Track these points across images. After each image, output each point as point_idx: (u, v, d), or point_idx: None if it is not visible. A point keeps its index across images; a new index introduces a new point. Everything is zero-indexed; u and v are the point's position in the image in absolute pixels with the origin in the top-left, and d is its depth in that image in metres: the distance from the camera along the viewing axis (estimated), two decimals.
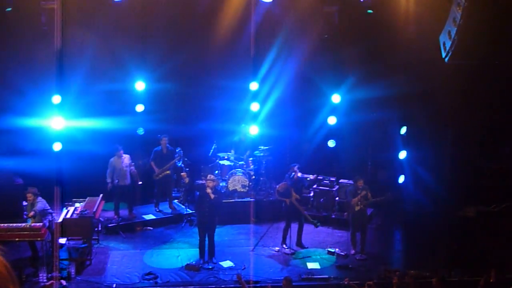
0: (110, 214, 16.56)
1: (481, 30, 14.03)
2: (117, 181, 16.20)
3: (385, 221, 17.15)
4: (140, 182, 16.83)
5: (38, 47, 16.49)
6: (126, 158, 16.37)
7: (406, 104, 17.52)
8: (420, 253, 15.04)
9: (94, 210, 14.38)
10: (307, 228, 15.52)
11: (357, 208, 14.82)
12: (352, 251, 14.95)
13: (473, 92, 16.16)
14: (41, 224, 13.36)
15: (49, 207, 13.95)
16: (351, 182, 16.26)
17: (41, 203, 13.76)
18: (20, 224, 13.54)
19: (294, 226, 15.15)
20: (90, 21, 16.74)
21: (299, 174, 15.43)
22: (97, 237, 15.12)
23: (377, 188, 16.05)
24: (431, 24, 15.66)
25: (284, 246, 15.06)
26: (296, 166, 15.34)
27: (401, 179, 17.81)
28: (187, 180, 14.91)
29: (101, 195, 15.28)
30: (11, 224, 13.42)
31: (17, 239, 13.31)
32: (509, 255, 14.04)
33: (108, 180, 16.14)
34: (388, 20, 16.53)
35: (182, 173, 15.20)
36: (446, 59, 14.72)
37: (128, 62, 17.65)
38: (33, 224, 13.45)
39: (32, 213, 13.61)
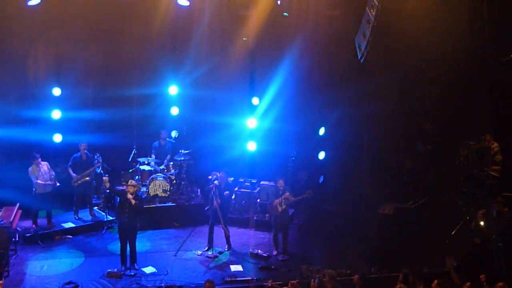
0: (28, 223, 16.13)
1: (394, 32, 14.48)
2: (34, 189, 15.81)
3: (306, 221, 17.40)
4: (58, 184, 16.36)
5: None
6: (44, 165, 15.98)
7: (325, 106, 17.83)
8: (340, 251, 15.34)
9: (11, 220, 13.99)
10: (229, 230, 15.55)
11: (279, 209, 14.95)
12: (275, 252, 15.09)
13: (389, 92, 16.56)
14: None
15: None
16: (272, 183, 16.43)
17: None
18: None
19: (218, 230, 15.17)
20: None
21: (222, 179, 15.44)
22: (14, 248, 14.71)
23: (298, 188, 16.27)
24: (346, 26, 16.03)
25: (207, 248, 15.06)
26: (224, 172, 15.34)
27: (321, 179, 18.11)
28: (108, 185, 14.70)
29: (17, 204, 14.88)
30: None
31: None
32: (425, 250, 14.48)
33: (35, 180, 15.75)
34: (303, 23, 16.84)
35: (104, 178, 14.98)
36: (361, 61, 15.06)
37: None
38: None
39: None
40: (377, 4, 13.81)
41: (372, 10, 14.14)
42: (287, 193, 14.93)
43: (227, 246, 15.26)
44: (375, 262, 14.13)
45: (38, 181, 15.72)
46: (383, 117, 16.65)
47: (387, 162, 17.16)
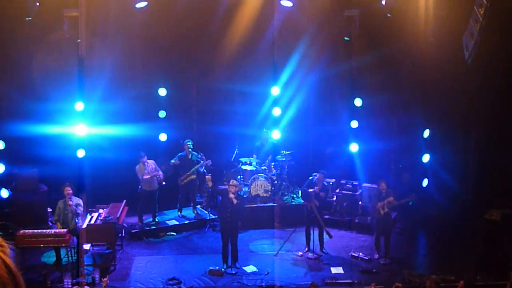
0: (134, 220, 16.64)
1: (504, 31, 13.93)
2: (140, 187, 16.29)
3: (409, 224, 17.02)
4: (164, 183, 16.78)
5: (61, 55, 16.66)
6: (151, 163, 16.43)
7: (429, 107, 17.42)
8: (444, 257, 14.93)
9: (118, 215, 14.44)
10: (330, 232, 15.44)
11: (382, 212, 14.72)
12: (376, 256, 14.86)
13: (496, 93, 15.99)
14: (65, 230, 13.49)
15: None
16: (374, 186, 16.19)
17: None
18: (45, 230, 13.71)
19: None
20: (112, 28, 16.86)
21: (324, 182, 15.39)
22: (120, 243, 15.23)
23: (400, 191, 15.94)
24: (453, 25, 15.58)
25: (307, 249, 15.02)
26: (323, 174, 15.27)
27: (425, 182, 17.69)
28: (210, 184, 14.91)
29: (124, 200, 15.35)
30: (35, 230, 13.57)
31: (42, 245, 13.45)
32: None
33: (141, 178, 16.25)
34: (408, 23, 16.46)
35: (206, 176, 15.22)
36: (469, 61, 14.61)
37: (150, 68, 17.80)
38: (57, 230, 13.60)
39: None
40: (486, 3, 13.35)
41: (480, 9, 13.69)
42: (391, 198, 14.68)
43: (320, 249, 15.16)
44: (481, 269, 13.65)
45: (145, 176, 16.16)
46: (491, 117, 16.08)
47: (495, 165, 16.52)
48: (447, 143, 17.40)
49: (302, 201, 15.75)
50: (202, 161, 17.05)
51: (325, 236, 15.00)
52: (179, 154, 17.12)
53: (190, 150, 17.06)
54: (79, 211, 13.94)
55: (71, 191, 14.02)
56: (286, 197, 17.52)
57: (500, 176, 16.55)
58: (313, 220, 14.97)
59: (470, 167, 17.33)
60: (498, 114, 16.31)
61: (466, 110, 16.84)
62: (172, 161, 16.92)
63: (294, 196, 17.48)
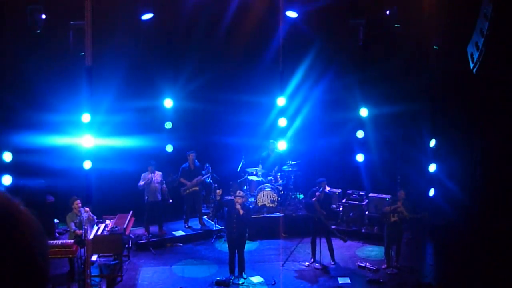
0: (141, 230, 16.75)
1: (510, 40, 14.01)
2: (147, 197, 16.42)
3: (416, 234, 17.04)
4: (171, 200, 16.99)
5: (67, 66, 16.82)
6: (158, 174, 16.56)
7: (436, 117, 17.49)
8: (452, 267, 14.95)
9: (125, 226, 14.52)
10: (337, 243, 15.50)
11: (393, 219, 14.68)
12: (384, 266, 14.88)
13: (502, 102, 16.05)
14: (72, 241, 13.59)
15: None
16: (381, 195, 16.27)
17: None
18: (52, 241, 13.77)
19: (324, 242, 15.14)
20: (118, 40, 17.01)
21: (327, 189, 15.48)
22: (127, 254, 15.31)
23: (408, 200, 15.98)
24: (458, 34, 15.68)
25: (312, 260, 15.07)
26: (325, 182, 15.35)
27: (431, 192, 17.74)
28: (219, 197, 14.99)
29: (131, 211, 15.45)
30: None
31: (49, 256, 13.50)
32: None
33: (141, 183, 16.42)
34: (414, 33, 16.57)
35: (217, 191, 15.25)
36: (474, 70, 14.70)
37: (156, 79, 17.95)
38: (64, 241, 13.70)
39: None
40: (491, 12, 13.45)
41: (485, 19, 13.79)
42: (399, 203, 14.65)
43: (331, 259, 15.21)
44: (488, 279, 13.67)
45: (140, 183, 16.27)
46: (498, 126, 16.13)
47: (502, 175, 16.53)
48: (454, 153, 17.45)
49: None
50: (205, 173, 17.18)
51: (334, 245, 15.08)
52: (182, 166, 17.25)
53: (194, 160, 17.19)
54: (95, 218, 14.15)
55: (80, 204, 14.15)
56: (292, 207, 17.59)
57: (508, 184, 16.57)
58: (319, 230, 15.02)
59: (476, 176, 17.36)
60: (504, 123, 16.34)
61: (472, 119, 16.90)
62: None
63: (300, 206, 17.53)
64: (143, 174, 16.47)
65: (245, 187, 17.52)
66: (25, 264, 1.88)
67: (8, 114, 16.38)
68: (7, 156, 16.14)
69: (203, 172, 17.23)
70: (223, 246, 15.92)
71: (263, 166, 18.13)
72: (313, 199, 15.02)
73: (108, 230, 14.19)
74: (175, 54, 18.14)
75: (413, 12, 16.55)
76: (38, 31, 15.36)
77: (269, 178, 17.80)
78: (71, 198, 14.28)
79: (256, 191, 17.36)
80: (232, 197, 14.92)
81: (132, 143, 17.18)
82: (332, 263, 15.06)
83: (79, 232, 13.78)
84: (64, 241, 13.74)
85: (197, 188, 17.21)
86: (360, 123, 18.15)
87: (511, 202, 16.25)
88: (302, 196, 18.05)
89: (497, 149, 16.65)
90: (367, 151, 18.20)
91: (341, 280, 14.20)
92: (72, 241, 13.62)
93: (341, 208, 17.37)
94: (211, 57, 18.40)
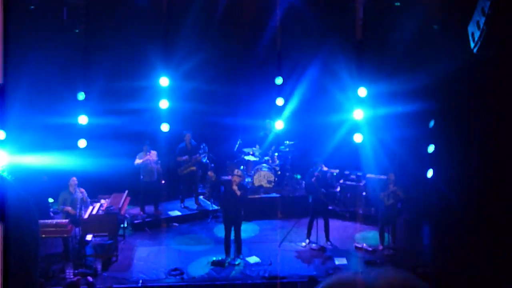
0: (136, 210, 16.66)
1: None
2: (142, 177, 16.29)
3: (413, 215, 16.98)
4: (163, 181, 16.87)
5: (62, 43, 16.63)
6: (153, 154, 16.42)
7: (435, 96, 17.32)
8: (449, 249, 14.87)
9: (120, 206, 14.47)
10: (334, 223, 15.47)
11: (388, 202, 14.68)
12: (380, 247, 14.84)
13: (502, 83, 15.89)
14: (67, 220, 13.49)
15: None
16: (378, 176, 16.16)
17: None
18: (46, 221, 13.68)
19: (321, 222, 15.07)
20: (113, 16, 16.84)
21: (325, 169, 15.38)
22: (123, 234, 15.23)
23: (406, 181, 15.90)
24: (459, 13, 15.50)
25: (308, 241, 15.01)
26: (321, 161, 15.28)
27: (430, 173, 17.61)
28: (213, 178, 14.90)
29: (126, 191, 15.34)
30: None
31: (43, 235, 13.40)
32: None
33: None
34: (413, 12, 16.39)
35: (209, 172, 15.19)
36: (475, 50, 14.52)
37: (152, 58, 17.74)
38: (59, 220, 13.60)
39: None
40: None
41: None
42: (395, 188, 14.64)
43: (326, 239, 15.15)
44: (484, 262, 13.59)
45: (136, 161, 16.13)
46: (498, 106, 15.99)
47: (503, 153, 16.40)
48: (453, 134, 17.29)
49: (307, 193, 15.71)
50: (202, 152, 17.06)
51: (331, 226, 15.01)
52: (179, 145, 17.10)
53: (190, 140, 17.04)
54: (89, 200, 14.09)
55: (76, 182, 14.07)
56: (289, 187, 17.52)
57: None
58: (319, 211, 14.95)
59: (475, 157, 17.22)
60: (506, 103, 16.18)
61: (473, 99, 16.73)
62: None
63: (297, 187, 17.45)
64: (138, 155, 16.32)
65: (241, 167, 17.39)
66: (14, 242, 1.81)
67: (1, 92, 16.17)
68: (1, 135, 15.98)
69: (199, 152, 17.09)
70: (219, 226, 15.82)
71: (260, 146, 18.01)
72: (312, 179, 14.93)
73: (103, 210, 14.19)
74: (172, 32, 17.91)
75: None
76: (33, 7, 15.18)
77: (266, 158, 17.69)
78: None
79: (252, 171, 17.26)
80: (229, 177, 14.80)
81: (127, 122, 16.97)
82: (328, 243, 15.00)
83: (69, 209, 13.71)
84: (58, 221, 13.65)
85: (193, 167, 17.07)
86: (359, 103, 17.93)
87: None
88: (299, 176, 17.97)
89: (498, 130, 16.51)
90: (366, 131, 18.01)
91: (337, 261, 14.17)
92: (67, 220, 13.52)
93: (338, 189, 17.27)
94: (208, 36, 18.19)
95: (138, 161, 16.24)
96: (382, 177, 16.14)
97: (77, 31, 15.70)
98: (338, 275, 1.90)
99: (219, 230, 15.47)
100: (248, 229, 15.83)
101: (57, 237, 13.61)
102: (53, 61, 16.47)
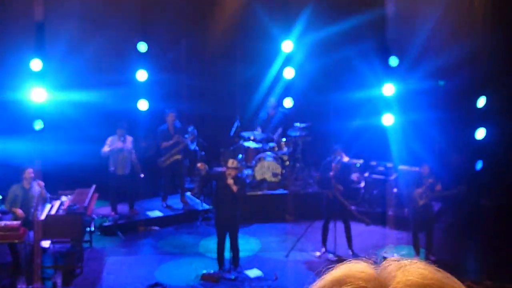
0: (106, 210, 16.65)
1: None
2: (113, 168, 16.20)
3: (457, 218, 16.96)
4: (142, 175, 16.80)
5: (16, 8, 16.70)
6: (128, 141, 16.31)
7: (484, 67, 17.25)
8: (501, 259, 14.86)
9: (86, 205, 14.38)
10: (356, 228, 15.42)
11: (420, 202, 14.63)
12: (416, 257, 14.79)
13: None
14: (18, 222, 13.41)
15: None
16: (413, 168, 16.08)
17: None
18: None
19: (340, 226, 15.03)
20: None
21: (346, 159, 15.31)
22: (89, 239, 15.20)
23: (448, 176, 15.84)
24: None
25: (324, 250, 15.00)
26: (341, 149, 15.21)
27: (478, 165, 17.55)
28: (203, 170, 14.81)
29: (93, 186, 15.28)
30: None
31: None
32: None
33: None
34: None
35: (198, 164, 15.10)
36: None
37: (128, 15, 17.70)
38: (8, 222, 13.52)
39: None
40: None
41: None
42: (430, 180, 14.56)
43: (349, 248, 15.12)
44: None
45: (103, 149, 16.09)
46: None
47: None
48: (509, 114, 17.21)
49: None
50: (189, 136, 16.99)
51: (353, 231, 14.98)
52: (160, 128, 16.99)
53: (174, 122, 16.92)
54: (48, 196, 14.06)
55: (33, 175, 13.97)
56: (300, 182, 17.49)
57: None
58: (334, 212, 14.90)
59: None
60: None
61: None
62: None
63: (311, 181, 17.44)
64: (109, 138, 16.20)
65: (239, 156, 17.35)
66: None
67: None
68: None
69: (186, 136, 17.01)
70: (211, 230, 15.78)
71: (263, 129, 17.93)
72: (330, 173, 14.85)
73: (64, 209, 14.17)
74: None
75: None
76: None
77: (270, 144, 17.63)
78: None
79: (254, 162, 17.24)
80: (224, 169, 14.73)
81: (95, 98, 16.87)
82: (350, 253, 14.95)
83: (19, 212, 13.64)
84: (7, 222, 13.54)
85: (178, 156, 16.99)
86: (388, 75, 17.79)
87: None
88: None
89: None
90: (397, 112, 17.89)
91: None
92: (18, 222, 13.44)
93: (362, 184, 17.23)
94: None
95: (106, 148, 16.11)
96: (417, 169, 16.09)
97: None
98: (347, 265, 1.84)
99: (211, 236, 15.42)
100: (247, 235, 15.86)
101: (5, 244, 13.53)
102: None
